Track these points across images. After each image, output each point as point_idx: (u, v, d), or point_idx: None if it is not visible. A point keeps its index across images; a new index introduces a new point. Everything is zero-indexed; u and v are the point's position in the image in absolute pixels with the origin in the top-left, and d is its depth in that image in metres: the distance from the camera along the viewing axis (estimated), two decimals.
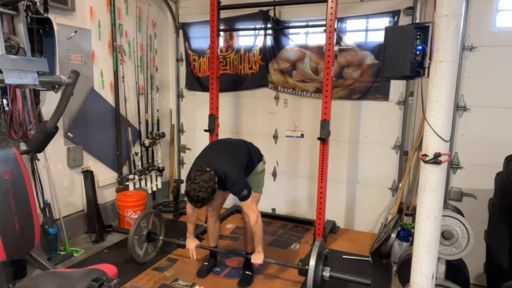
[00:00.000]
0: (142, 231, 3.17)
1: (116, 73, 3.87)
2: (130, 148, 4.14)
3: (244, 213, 2.72)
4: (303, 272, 2.63)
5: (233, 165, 2.59)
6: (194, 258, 2.89)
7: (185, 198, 2.55)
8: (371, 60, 3.69)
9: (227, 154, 2.68)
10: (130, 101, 4.12)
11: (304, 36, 4.00)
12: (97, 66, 3.69)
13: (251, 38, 4.26)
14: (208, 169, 2.46)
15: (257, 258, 2.72)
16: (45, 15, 2.60)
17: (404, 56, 1.98)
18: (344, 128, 3.94)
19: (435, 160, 1.83)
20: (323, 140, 3.30)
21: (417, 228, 1.96)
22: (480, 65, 3.23)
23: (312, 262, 2.51)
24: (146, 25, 4.27)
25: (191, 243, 2.91)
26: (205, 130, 3.86)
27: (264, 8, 3.97)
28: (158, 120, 4.54)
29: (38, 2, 2.52)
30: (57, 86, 2.48)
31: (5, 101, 2.77)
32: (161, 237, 3.35)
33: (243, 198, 2.57)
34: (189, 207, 2.81)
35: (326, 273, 2.61)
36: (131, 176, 4.07)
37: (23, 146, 3.00)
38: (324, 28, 3.17)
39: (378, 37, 3.64)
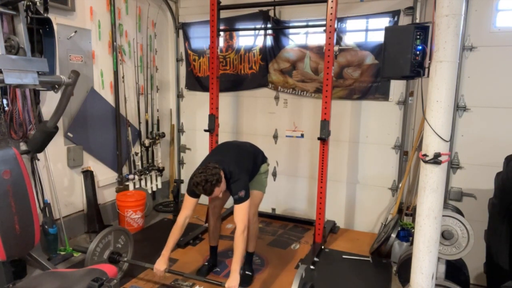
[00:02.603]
0: (102, 252, 2.73)
1: (116, 73, 3.87)
2: (130, 148, 4.14)
3: (234, 219, 2.59)
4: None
5: (239, 164, 2.62)
6: (160, 279, 2.71)
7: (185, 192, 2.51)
8: (371, 60, 3.69)
9: (234, 155, 2.71)
10: (130, 101, 4.12)
11: (304, 36, 4.00)
12: (97, 66, 3.69)
13: (251, 38, 4.26)
14: (212, 163, 2.48)
15: (231, 281, 2.40)
16: (45, 15, 2.60)
17: (404, 56, 1.98)
18: (344, 128, 3.94)
19: (435, 160, 1.83)
20: (323, 140, 3.30)
21: (417, 228, 1.96)
22: (480, 65, 3.23)
23: None
24: (146, 25, 4.27)
25: (161, 265, 2.58)
26: (205, 130, 3.86)
27: (264, 8, 3.97)
28: (158, 120, 4.54)
29: (38, 2, 2.52)
30: (57, 86, 2.49)
31: (5, 101, 2.77)
32: (125, 259, 2.87)
33: (239, 200, 2.52)
34: (181, 216, 2.64)
35: None
36: (131, 176, 4.07)
37: (23, 146, 3.00)
38: (324, 28, 3.17)
39: (378, 37, 3.63)
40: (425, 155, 1.87)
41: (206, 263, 3.11)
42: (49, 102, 3.13)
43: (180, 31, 4.64)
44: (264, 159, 2.95)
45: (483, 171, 3.29)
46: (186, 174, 4.84)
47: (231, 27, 4.23)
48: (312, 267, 3.12)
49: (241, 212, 2.52)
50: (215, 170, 2.42)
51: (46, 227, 3.07)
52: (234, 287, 2.39)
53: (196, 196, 2.61)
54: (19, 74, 2.19)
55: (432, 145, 1.85)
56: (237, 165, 2.59)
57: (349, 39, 3.78)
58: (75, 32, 3.39)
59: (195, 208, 2.69)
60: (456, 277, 2.45)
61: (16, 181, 2.24)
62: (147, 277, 2.96)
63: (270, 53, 4.12)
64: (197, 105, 4.70)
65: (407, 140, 3.70)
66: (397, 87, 3.67)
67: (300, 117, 4.14)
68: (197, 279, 2.84)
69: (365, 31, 3.73)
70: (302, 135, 4.16)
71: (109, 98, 3.86)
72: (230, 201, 3.19)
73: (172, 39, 4.71)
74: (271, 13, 3.97)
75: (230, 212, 4.35)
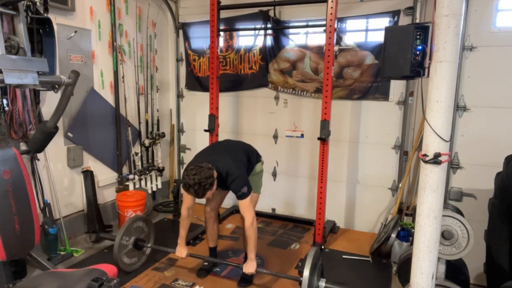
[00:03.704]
0: (128, 239, 3.02)
1: (116, 73, 3.87)
2: (130, 148, 4.14)
3: (241, 214, 2.70)
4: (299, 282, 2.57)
5: (235, 162, 2.62)
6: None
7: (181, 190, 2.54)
8: (371, 60, 3.69)
9: (228, 153, 2.70)
10: (130, 101, 4.12)
11: (304, 36, 4.00)
12: (97, 66, 3.69)
13: (251, 38, 4.26)
14: (205, 162, 2.48)
15: (249, 267, 2.63)
16: (45, 15, 2.60)
17: (404, 56, 1.98)
18: (344, 128, 3.94)
19: (435, 160, 1.82)
20: (323, 140, 3.30)
21: (417, 228, 1.96)
22: (480, 65, 3.23)
23: (306, 273, 2.39)
24: (146, 25, 4.27)
25: (182, 251, 2.85)
26: (205, 130, 3.86)
27: (264, 8, 3.97)
28: (158, 120, 4.54)
29: (38, 2, 2.52)
30: (57, 86, 2.49)
31: (5, 101, 2.77)
32: (149, 245, 3.17)
33: (242, 196, 2.55)
34: (184, 209, 2.78)
35: (322, 284, 2.51)
36: (131, 176, 4.07)
37: (23, 146, 3.00)
38: (324, 28, 3.17)
39: (378, 37, 3.63)
40: (425, 155, 1.87)
41: (206, 263, 3.11)
42: (49, 102, 3.13)
43: (180, 31, 4.64)
44: (258, 158, 2.94)
45: (483, 171, 3.29)
46: None
47: (231, 27, 4.23)
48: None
49: (247, 206, 2.59)
50: (209, 172, 2.39)
51: (46, 227, 3.07)
52: (252, 274, 2.64)
53: None
54: (19, 74, 2.19)
55: (432, 145, 1.84)
56: (233, 163, 2.59)
57: (349, 39, 3.78)
58: (75, 32, 3.39)
59: (194, 199, 2.70)
60: (456, 277, 2.45)
61: (16, 181, 2.24)
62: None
63: (270, 53, 4.12)
64: (197, 105, 4.70)
65: (407, 140, 3.70)
66: (397, 87, 3.67)
67: (300, 117, 4.14)
68: (217, 262, 3.07)
69: (365, 31, 3.73)
70: (302, 135, 4.16)
71: (109, 98, 3.86)
72: (227, 201, 3.20)
73: (172, 39, 4.71)
74: (271, 13, 3.97)
75: (230, 212, 4.36)
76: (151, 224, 3.26)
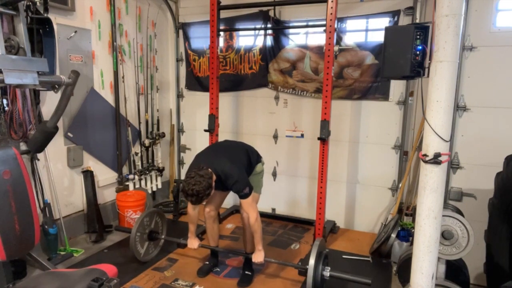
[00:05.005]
0: (144, 229, 3.19)
1: (116, 73, 3.87)
2: (130, 148, 4.14)
3: (244, 212, 2.74)
4: (303, 272, 2.64)
5: (234, 164, 2.63)
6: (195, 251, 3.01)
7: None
8: (371, 60, 3.69)
9: (227, 154, 2.72)
10: (130, 101, 4.12)
11: (304, 36, 4.00)
12: (97, 66, 3.69)
13: (251, 38, 4.26)
14: (205, 167, 2.50)
15: (258, 257, 2.73)
16: (45, 15, 2.60)
17: (404, 56, 1.98)
18: (344, 128, 3.94)
19: (435, 160, 1.82)
20: (323, 140, 3.30)
21: (417, 228, 1.96)
22: (480, 65, 3.23)
23: (312, 261, 2.51)
24: (146, 25, 4.27)
25: (194, 242, 2.95)
26: (205, 130, 3.86)
27: (264, 8, 3.97)
28: (158, 120, 4.54)
29: (38, 2, 2.52)
30: (57, 86, 2.49)
31: (5, 101, 2.77)
32: (162, 237, 3.35)
33: (245, 196, 2.59)
34: (190, 208, 2.86)
35: (326, 273, 2.61)
36: (131, 176, 4.07)
37: (23, 146, 3.00)
38: (324, 28, 3.17)
39: (378, 37, 3.64)
40: (425, 155, 1.87)
41: (207, 263, 3.11)
42: (49, 102, 3.14)
43: (180, 31, 4.64)
44: (258, 159, 2.97)
45: (483, 171, 3.29)
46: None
47: (231, 27, 4.23)
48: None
49: (250, 204, 2.64)
50: (208, 182, 2.42)
51: (46, 227, 3.07)
52: (261, 263, 2.74)
53: None
54: (19, 74, 2.19)
55: (432, 145, 1.85)
56: (233, 165, 2.61)
57: (349, 39, 3.78)
58: (75, 32, 3.39)
59: None
60: (456, 277, 2.45)
61: (16, 181, 2.24)
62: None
63: (270, 53, 4.12)
64: (197, 105, 4.70)
65: (407, 140, 3.70)
66: (397, 87, 3.67)
67: (300, 117, 4.14)
68: (233, 252, 3.24)
69: (365, 31, 3.73)
70: (302, 135, 4.16)
71: (109, 98, 3.86)
72: (227, 201, 3.21)
73: (172, 39, 4.71)
74: (271, 13, 3.97)
75: (230, 212, 4.36)
76: (164, 218, 3.41)
